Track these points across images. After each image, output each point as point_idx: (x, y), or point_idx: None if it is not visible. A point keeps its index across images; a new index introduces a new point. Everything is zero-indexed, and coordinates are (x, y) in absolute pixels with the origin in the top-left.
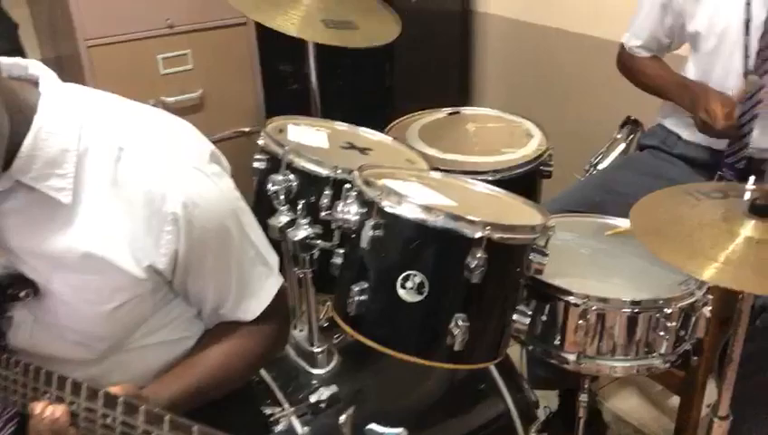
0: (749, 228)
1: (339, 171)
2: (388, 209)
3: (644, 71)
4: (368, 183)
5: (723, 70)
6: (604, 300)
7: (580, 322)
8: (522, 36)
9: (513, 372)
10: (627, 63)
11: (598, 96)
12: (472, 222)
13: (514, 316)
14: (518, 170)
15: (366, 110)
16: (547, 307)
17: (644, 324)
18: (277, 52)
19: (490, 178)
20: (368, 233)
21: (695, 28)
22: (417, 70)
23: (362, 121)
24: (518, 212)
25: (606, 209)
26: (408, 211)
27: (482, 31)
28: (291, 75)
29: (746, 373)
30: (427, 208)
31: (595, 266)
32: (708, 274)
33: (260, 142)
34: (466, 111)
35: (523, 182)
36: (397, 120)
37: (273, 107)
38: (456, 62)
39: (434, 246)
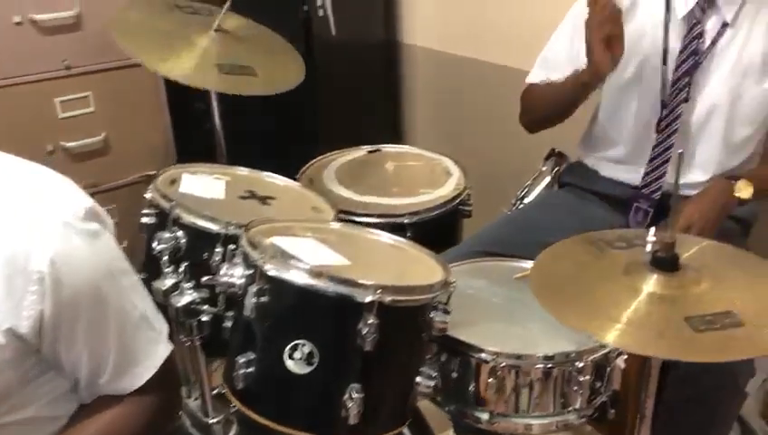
0: (651, 283)
1: (231, 227)
2: (272, 273)
3: (539, 92)
4: (253, 244)
5: (641, 99)
6: (516, 356)
7: (491, 380)
8: (449, 69)
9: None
10: (529, 104)
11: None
12: (362, 285)
13: (418, 379)
14: (436, 212)
15: (285, 149)
16: (457, 363)
17: (558, 380)
18: (188, 90)
19: (406, 222)
20: (251, 300)
21: None
22: (341, 104)
23: (281, 162)
24: (420, 266)
25: (523, 249)
26: (295, 275)
27: (409, 63)
28: (204, 114)
29: (678, 417)
30: (315, 272)
31: (508, 317)
32: (611, 336)
33: (147, 196)
34: (387, 148)
35: (442, 223)
36: (315, 160)
37: (185, 148)
38: (383, 95)
39: (322, 312)
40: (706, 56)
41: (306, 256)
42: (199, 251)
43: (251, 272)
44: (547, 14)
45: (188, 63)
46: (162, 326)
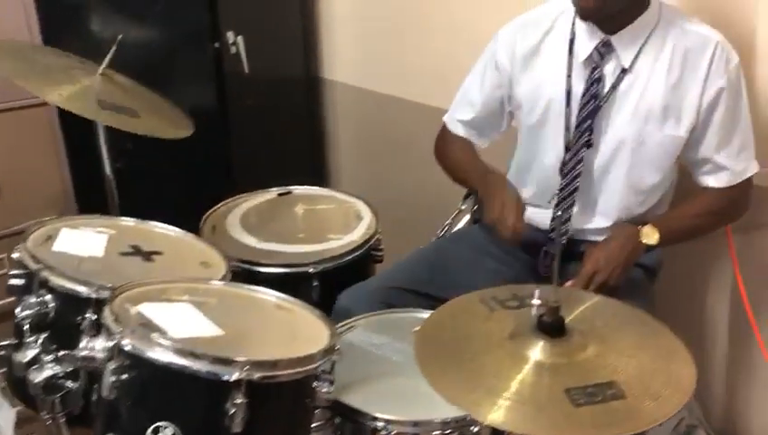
0: (536, 350)
1: (103, 291)
2: (130, 349)
3: (452, 156)
4: (115, 314)
5: (547, 142)
6: (412, 423)
7: None
8: (369, 106)
9: None
10: (440, 148)
11: None
12: (229, 362)
13: None
14: (344, 259)
15: (193, 192)
16: (350, 429)
17: None
18: (90, 133)
19: (312, 271)
20: (109, 378)
21: (520, 97)
22: (255, 144)
23: (188, 207)
24: (308, 330)
25: (434, 287)
26: (157, 351)
27: (329, 100)
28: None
29: None
30: (178, 348)
31: (409, 376)
32: (486, 413)
33: (14, 256)
34: (298, 190)
35: (353, 269)
36: (221, 204)
37: (86, 192)
38: (301, 133)
39: (186, 392)
40: (607, 100)
41: (173, 328)
42: (69, 318)
43: (111, 345)
44: (467, 52)
45: (68, 92)
46: None
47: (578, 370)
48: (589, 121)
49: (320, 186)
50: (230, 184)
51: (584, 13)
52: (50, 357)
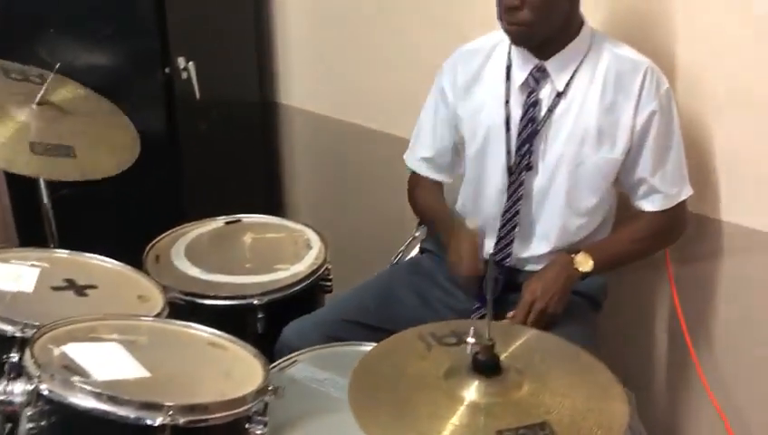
0: (473, 390)
1: (29, 330)
2: (49, 394)
3: (420, 202)
4: (35, 355)
5: (490, 169)
6: None
7: None
8: (326, 131)
9: None
10: (409, 192)
11: (402, 194)
12: (153, 406)
13: None
14: (290, 290)
15: (143, 221)
16: None
17: None
18: None
19: (257, 302)
20: (26, 424)
21: (463, 126)
22: (207, 171)
23: (133, 237)
24: (241, 368)
25: (379, 319)
26: (77, 396)
27: (284, 125)
28: (47, 185)
29: None
30: (100, 393)
31: (348, 413)
32: None
33: None
34: (247, 219)
35: (301, 300)
36: (166, 233)
37: (27, 222)
38: (255, 159)
39: None
40: (544, 124)
41: (97, 370)
42: None
43: (30, 389)
44: (423, 80)
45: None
46: None
47: (512, 410)
48: (528, 145)
49: (273, 214)
50: (178, 213)
51: (513, 38)
52: None
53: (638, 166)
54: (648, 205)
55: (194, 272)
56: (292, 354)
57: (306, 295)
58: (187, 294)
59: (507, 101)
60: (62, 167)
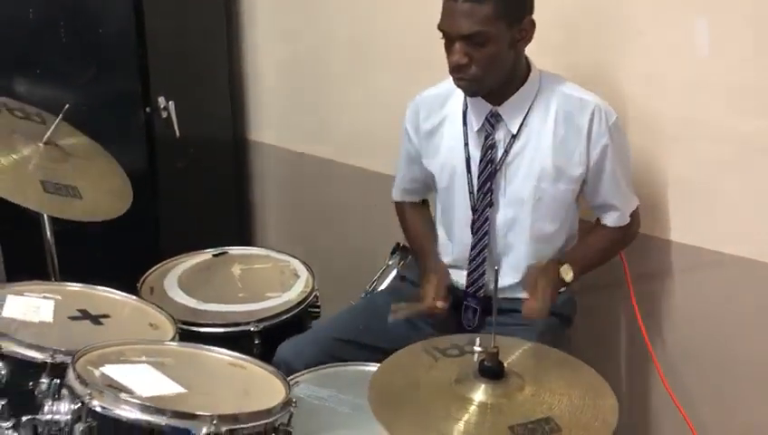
0: (481, 392)
1: (58, 355)
2: (100, 410)
3: (407, 227)
4: (80, 376)
5: (457, 204)
6: None
7: None
8: (299, 167)
9: None
10: (400, 217)
11: (373, 225)
12: (198, 417)
13: None
14: (284, 317)
15: (128, 255)
16: None
17: None
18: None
19: (253, 329)
20: None
21: (429, 166)
22: (186, 207)
23: (121, 271)
24: (262, 385)
25: (370, 336)
26: (126, 410)
27: (258, 161)
28: (34, 221)
29: None
30: (148, 406)
31: (354, 427)
32: None
33: None
34: (234, 251)
35: (292, 326)
36: (156, 266)
37: (17, 259)
38: (232, 195)
39: None
40: (502, 164)
41: (139, 387)
42: (23, 383)
43: (77, 407)
44: (392, 117)
45: (7, 174)
46: None
47: (518, 408)
48: (488, 183)
49: (248, 246)
50: (158, 247)
51: (464, 91)
52: (9, 423)
53: (598, 194)
54: (609, 220)
55: (189, 302)
56: (293, 375)
57: (297, 320)
58: (185, 323)
59: (466, 144)
60: (71, 207)
